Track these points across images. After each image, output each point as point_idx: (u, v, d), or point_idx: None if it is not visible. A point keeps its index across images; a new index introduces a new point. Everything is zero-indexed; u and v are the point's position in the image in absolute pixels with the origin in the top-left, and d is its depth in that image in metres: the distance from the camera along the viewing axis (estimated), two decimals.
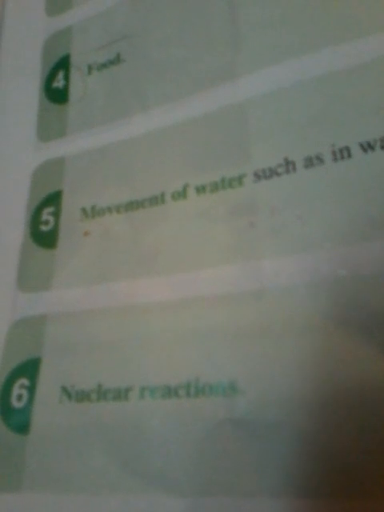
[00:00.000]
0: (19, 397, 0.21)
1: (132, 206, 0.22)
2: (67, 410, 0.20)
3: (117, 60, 0.24)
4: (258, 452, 0.16)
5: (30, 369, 0.21)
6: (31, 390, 0.21)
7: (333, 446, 0.16)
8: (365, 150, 0.18)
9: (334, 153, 0.18)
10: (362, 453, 0.15)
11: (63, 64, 0.26)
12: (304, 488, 0.16)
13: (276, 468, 0.16)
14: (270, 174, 0.19)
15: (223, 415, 0.17)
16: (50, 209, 0.24)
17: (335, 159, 0.18)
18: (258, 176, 0.20)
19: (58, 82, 0.26)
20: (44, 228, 0.23)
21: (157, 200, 0.21)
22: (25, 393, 0.21)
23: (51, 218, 0.23)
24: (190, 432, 0.18)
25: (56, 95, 0.26)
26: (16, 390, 0.21)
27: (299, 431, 0.16)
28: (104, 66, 0.25)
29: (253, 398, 0.17)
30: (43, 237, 0.23)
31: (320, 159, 0.19)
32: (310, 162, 0.19)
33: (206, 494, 0.17)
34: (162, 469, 0.18)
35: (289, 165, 0.19)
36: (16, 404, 0.21)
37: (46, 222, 0.23)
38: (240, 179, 0.20)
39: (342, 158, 0.18)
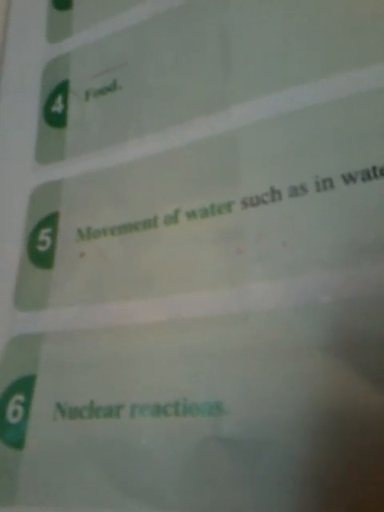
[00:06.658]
0: (15, 412, 0.21)
1: (126, 228, 0.22)
2: (61, 426, 0.20)
3: (113, 87, 0.25)
4: (243, 470, 0.17)
5: (25, 385, 0.22)
6: (26, 406, 0.21)
7: (315, 466, 0.16)
8: (346, 182, 0.18)
9: (317, 183, 0.19)
10: (345, 472, 0.16)
11: (62, 89, 0.27)
12: (288, 505, 0.16)
13: (260, 484, 0.17)
14: (257, 201, 0.20)
15: (209, 434, 0.18)
16: (47, 229, 0.24)
17: (318, 189, 0.19)
18: (245, 203, 0.20)
19: (57, 107, 0.27)
20: (41, 248, 0.24)
21: (149, 223, 0.22)
22: (20, 409, 0.21)
23: (48, 239, 0.24)
24: (177, 449, 0.18)
25: (55, 119, 0.27)
26: (12, 406, 0.21)
27: (283, 451, 0.17)
28: (101, 92, 0.26)
29: (238, 418, 0.18)
30: (40, 257, 0.24)
31: (304, 189, 0.19)
32: (294, 192, 0.19)
33: (193, 509, 0.17)
34: (151, 484, 0.18)
35: (275, 193, 0.20)
36: (11, 419, 0.21)
37: (43, 243, 0.24)
38: (228, 206, 0.20)
39: (325, 188, 0.19)
